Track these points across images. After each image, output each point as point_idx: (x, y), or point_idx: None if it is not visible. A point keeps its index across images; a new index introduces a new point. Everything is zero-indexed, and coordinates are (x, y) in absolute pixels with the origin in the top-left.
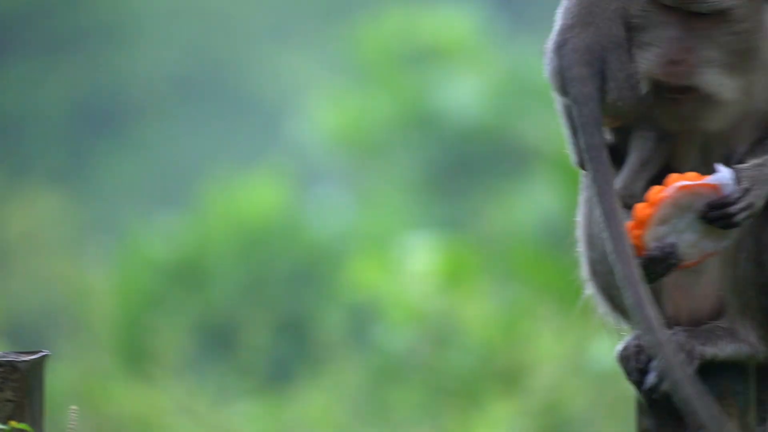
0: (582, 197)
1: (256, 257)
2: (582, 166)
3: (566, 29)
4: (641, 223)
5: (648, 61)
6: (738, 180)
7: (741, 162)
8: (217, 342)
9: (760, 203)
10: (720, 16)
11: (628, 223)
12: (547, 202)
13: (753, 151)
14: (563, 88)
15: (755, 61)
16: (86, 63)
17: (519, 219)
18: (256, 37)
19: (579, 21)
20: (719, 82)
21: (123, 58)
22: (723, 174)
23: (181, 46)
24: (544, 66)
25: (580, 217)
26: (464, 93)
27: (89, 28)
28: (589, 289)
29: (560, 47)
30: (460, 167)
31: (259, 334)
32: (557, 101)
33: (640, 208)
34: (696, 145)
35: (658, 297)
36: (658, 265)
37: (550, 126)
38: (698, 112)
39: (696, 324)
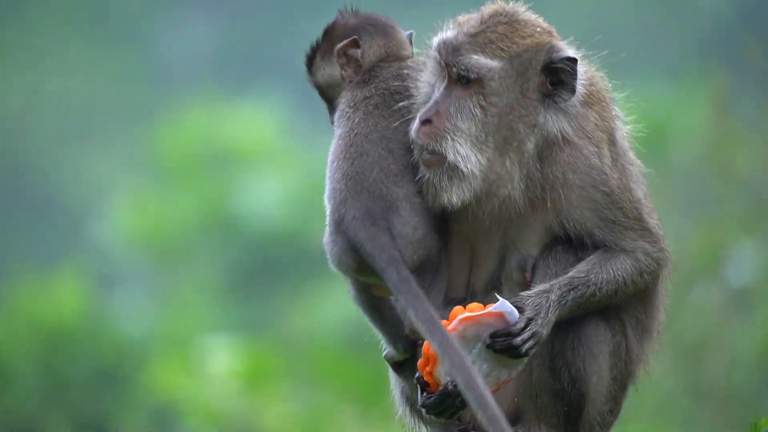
0: None
1: (56, 360)
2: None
3: (339, 206)
4: (430, 360)
5: (414, 124)
6: (522, 308)
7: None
8: None
9: (546, 331)
10: (477, 85)
11: (419, 361)
12: (348, 304)
13: (543, 265)
14: (357, 260)
15: (508, 143)
16: None
17: (321, 322)
18: (57, 137)
19: (349, 193)
20: (463, 153)
21: None
22: (504, 302)
23: None
24: (328, 252)
25: None
26: (265, 195)
27: None
28: (391, 392)
29: (339, 225)
30: (262, 270)
31: None
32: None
33: (428, 346)
34: (493, 251)
35: None
36: (454, 400)
37: None
38: (442, 181)
39: None
